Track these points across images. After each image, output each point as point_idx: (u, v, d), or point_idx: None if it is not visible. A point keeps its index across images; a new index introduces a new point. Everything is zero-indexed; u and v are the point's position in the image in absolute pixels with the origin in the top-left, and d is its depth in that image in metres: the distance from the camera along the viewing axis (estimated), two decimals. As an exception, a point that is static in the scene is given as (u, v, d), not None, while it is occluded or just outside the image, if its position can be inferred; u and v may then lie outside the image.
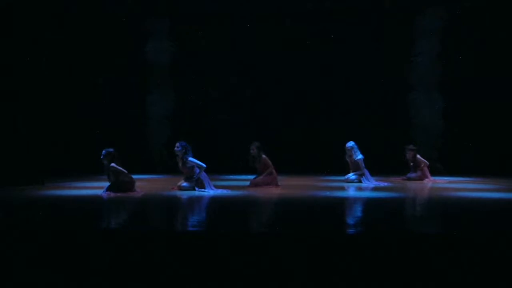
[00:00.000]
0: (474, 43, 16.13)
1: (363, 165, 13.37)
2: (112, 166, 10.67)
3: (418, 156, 14.07)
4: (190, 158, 11.28)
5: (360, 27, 16.61)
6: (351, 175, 13.47)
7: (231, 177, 14.42)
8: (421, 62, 16.60)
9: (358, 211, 9.42)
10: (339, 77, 16.69)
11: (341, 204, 10.00)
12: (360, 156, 13.43)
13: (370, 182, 13.19)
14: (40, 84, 13.42)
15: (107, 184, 10.82)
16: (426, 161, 14.05)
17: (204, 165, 11.30)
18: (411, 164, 14.09)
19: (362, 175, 13.33)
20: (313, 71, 16.75)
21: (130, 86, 16.80)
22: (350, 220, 8.25)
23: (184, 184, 11.37)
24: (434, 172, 14.69)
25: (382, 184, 12.99)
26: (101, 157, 10.75)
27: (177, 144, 11.43)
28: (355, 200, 10.65)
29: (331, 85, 16.72)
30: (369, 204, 10.07)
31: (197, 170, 11.29)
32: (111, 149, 10.80)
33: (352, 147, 13.53)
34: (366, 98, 16.60)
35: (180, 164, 11.44)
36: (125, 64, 16.61)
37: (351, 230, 7.22)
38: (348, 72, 16.64)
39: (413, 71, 16.69)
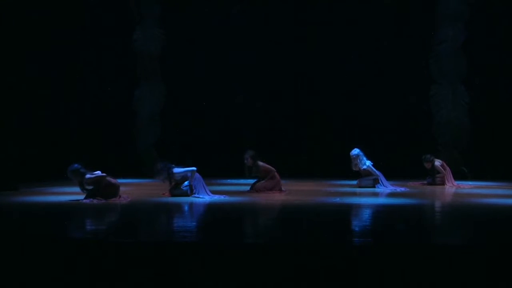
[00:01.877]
0: (504, 30, 16.13)
1: (374, 170, 13.39)
2: (88, 178, 10.56)
3: (436, 163, 14.01)
4: (176, 171, 11.44)
5: (376, 12, 16.61)
6: (362, 180, 13.52)
7: (230, 181, 14.51)
8: (444, 52, 16.63)
9: (369, 219, 9.47)
10: (351, 69, 16.66)
11: (351, 212, 10.09)
12: (367, 164, 13.37)
13: (385, 187, 13.28)
14: (15, 83, 13.49)
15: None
16: (443, 171, 14.04)
17: (194, 168, 11.49)
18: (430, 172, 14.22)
19: (376, 180, 13.39)
20: (323, 62, 16.74)
21: (115, 79, 16.81)
22: (358, 229, 8.33)
23: (177, 190, 11.51)
24: (458, 176, 14.75)
25: (399, 189, 13.10)
26: (68, 177, 10.59)
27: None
28: (368, 207, 10.71)
29: (343, 78, 16.71)
30: (383, 212, 10.18)
31: (189, 175, 11.46)
32: (75, 165, 10.51)
33: (357, 155, 13.39)
34: (381, 93, 16.60)
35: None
36: (110, 55, 16.64)
37: (357, 240, 7.30)
38: (362, 63, 16.64)
39: (435, 61, 16.71)
